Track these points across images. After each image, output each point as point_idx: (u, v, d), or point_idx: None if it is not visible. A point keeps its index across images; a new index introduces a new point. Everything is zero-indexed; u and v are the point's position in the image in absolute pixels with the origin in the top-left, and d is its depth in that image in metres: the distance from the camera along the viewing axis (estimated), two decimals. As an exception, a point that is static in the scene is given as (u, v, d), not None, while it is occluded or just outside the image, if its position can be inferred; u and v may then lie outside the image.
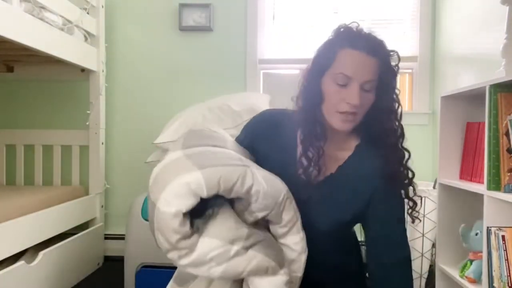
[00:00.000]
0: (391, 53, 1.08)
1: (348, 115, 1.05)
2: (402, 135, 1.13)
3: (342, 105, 1.04)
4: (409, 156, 1.13)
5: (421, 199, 2.01)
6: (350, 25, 1.08)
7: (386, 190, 1.11)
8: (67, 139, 2.52)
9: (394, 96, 1.10)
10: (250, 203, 0.98)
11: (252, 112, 2.11)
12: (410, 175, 1.13)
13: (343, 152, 1.16)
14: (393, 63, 1.09)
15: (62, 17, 2.02)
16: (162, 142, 2.09)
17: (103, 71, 2.48)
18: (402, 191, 1.13)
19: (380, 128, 1.10)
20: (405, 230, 1.15)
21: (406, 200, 1.15)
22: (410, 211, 1.16)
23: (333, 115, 1.06)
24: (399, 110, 1.12)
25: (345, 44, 1.04)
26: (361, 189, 1.12)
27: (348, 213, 1.14)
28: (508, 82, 1.36)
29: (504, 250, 1.34)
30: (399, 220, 1.13)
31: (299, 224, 1.07)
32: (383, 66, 1.05)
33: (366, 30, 1.07)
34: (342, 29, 1.08)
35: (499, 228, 1.38)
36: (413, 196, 1.15)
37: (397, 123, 1.12)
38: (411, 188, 1.14)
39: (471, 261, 1.62)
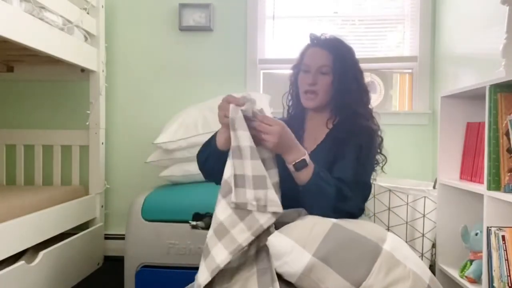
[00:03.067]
0: (346, 48, 1.40)
1: (309, 94, 1.37)
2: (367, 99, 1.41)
3: (304, 86, 1.38)
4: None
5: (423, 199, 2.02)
6: (316, 33, 1.43)
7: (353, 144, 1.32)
8: (67, 139, 2.51)
9: (352, 77, 1.36)
10: None
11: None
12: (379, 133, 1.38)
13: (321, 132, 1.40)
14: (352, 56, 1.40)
15: (62, 17, 2.02)
16: (162, 142, 2.09)
17: (103, 71, 2.47)
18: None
19: (347, 98, 1.36)
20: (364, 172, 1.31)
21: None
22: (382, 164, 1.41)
23: (302, 95, 1.40)
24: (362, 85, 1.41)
25: (309, 45, 1.42)
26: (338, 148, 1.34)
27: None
28: (508, 82, 1.37)
29: (504, 250, 1.34)
30: (358, 161, 1.29)
31: None
32: (336, 56, 1.36)
33: (328, 35, 1.41)
34: (310, 36, 1.44)
35: (499, 228, 1.38)
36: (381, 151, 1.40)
37: (358, 95, 1.38)
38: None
39: (471, 261, 1.62)
